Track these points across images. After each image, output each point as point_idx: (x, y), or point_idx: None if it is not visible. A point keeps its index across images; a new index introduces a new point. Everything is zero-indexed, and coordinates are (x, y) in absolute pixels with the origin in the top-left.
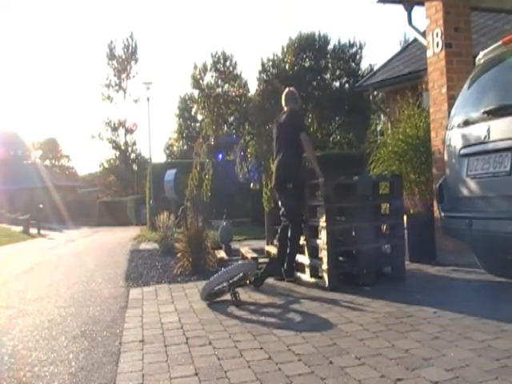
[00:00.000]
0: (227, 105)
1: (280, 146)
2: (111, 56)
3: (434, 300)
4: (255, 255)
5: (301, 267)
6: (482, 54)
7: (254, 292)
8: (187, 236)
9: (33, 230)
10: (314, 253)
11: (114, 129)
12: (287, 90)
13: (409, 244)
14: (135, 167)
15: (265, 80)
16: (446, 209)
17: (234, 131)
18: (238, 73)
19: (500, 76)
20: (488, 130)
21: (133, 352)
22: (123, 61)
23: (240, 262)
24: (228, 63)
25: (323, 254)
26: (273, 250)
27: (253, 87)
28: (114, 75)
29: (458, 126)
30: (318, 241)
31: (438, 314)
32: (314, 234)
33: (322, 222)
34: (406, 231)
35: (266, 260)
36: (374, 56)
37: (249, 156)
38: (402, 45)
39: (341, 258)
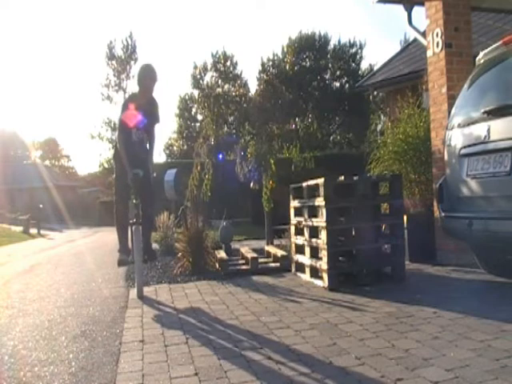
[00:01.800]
0: (227, 105)
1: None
2: (111, 56)
3: (434, 300)
4: (255, 255)
5: (301, 267)
6: (482, 54)
7: (254, 292)
8: (187, 236)
9: (33, 230)
10: (313, 253)
11: (114, 129)
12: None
13: (409, 244)
14: None
15: (265, 80)
16: (446, 209)
17: (234, 131)
18: (238, 73)
19: (500, 76)
20: (488, 130)
21: (133, 352)
22: (122, 61)
23: None
24: (228, 63)
25: (323, 254)
26: (273, 250)
27: (253, 87)
28: (114, 75)
29: (458, 125)
30: (318, 241)
31: (438, 314)
32: (313, 233)
33: (322, 222)
34: (406, 231)
35: (267, 260)
36: (374, 56)
37: (249, 156)
38: (401, 45)
39: (341, 258)
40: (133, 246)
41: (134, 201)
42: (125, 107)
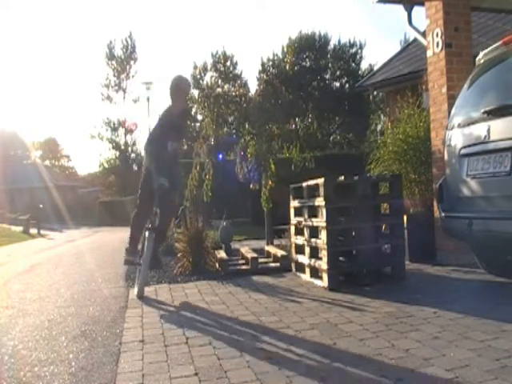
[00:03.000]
0: (227, 105)
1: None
2: (110, 56)
3: (434, 300)
4: (255, 255)
5: (301, 267)
6: (481, 54)
7: (254, 292)
8: (187, 236)
9: (33, 230)
10: (313, 253)
11: (114, 129)
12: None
13: (409, 244)
14: (135, 167)
15: (265, 80)
16: (445, 209)
17: (234, 131)
18: (238, 73)
19: (500, 76)
20: (488, 130)
21: (133, 352)
22: (122, 61)
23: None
24: (228, 63)
25: (323, 254)
26: (273, 250)
27: (253, 87)
28: (114, 75)
29: (458, 125)
30: (318, 241)
31: (438, 314)
32: (313, 233)
33: (322, 222)
34: (406, 231)
35: (267, 260)
36: (374, 56)
37: (249, 156)
38: (401, 45)
39: (341, 258)
40: (142, 249)
41: (154, 208)
42: (162, 120)
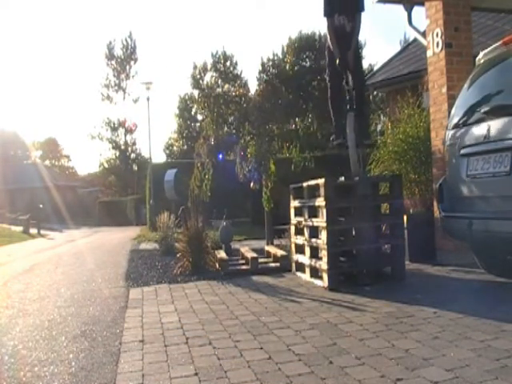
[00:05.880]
0: (227, 105)
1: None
2: (110, 56)
3: (434, 300)
4: (255, 255)
5: (301, 267)
6: (481, 54)
7: (254, 292)
8: (187, 236)
9: (33, 230)
10: (314, 253)
11: (114, 129)
12: None
13: (409, 244)
14: (135, 167)
15: (265, 80)
16: (445, 209)
17: (234, 131)
18: (238, 73)
19: (500, 76)
20: (488, 130)
21: (133, 352)
22: (122, 61)
23: None
24: (228, 63)
25: (323, 254)
26: (273, 250)
27: (253, 87)
28: (114, 75)
29: (458, 125)
30: (318, 241)
31: (438, 314)
32: (314, 233)
33: (323, 222)
34: (406, 231)
35: (267, 260)
36: (374, 56)
37: (249, 156)
38: (401, 45)
39: (341, 258)
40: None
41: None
42: None
